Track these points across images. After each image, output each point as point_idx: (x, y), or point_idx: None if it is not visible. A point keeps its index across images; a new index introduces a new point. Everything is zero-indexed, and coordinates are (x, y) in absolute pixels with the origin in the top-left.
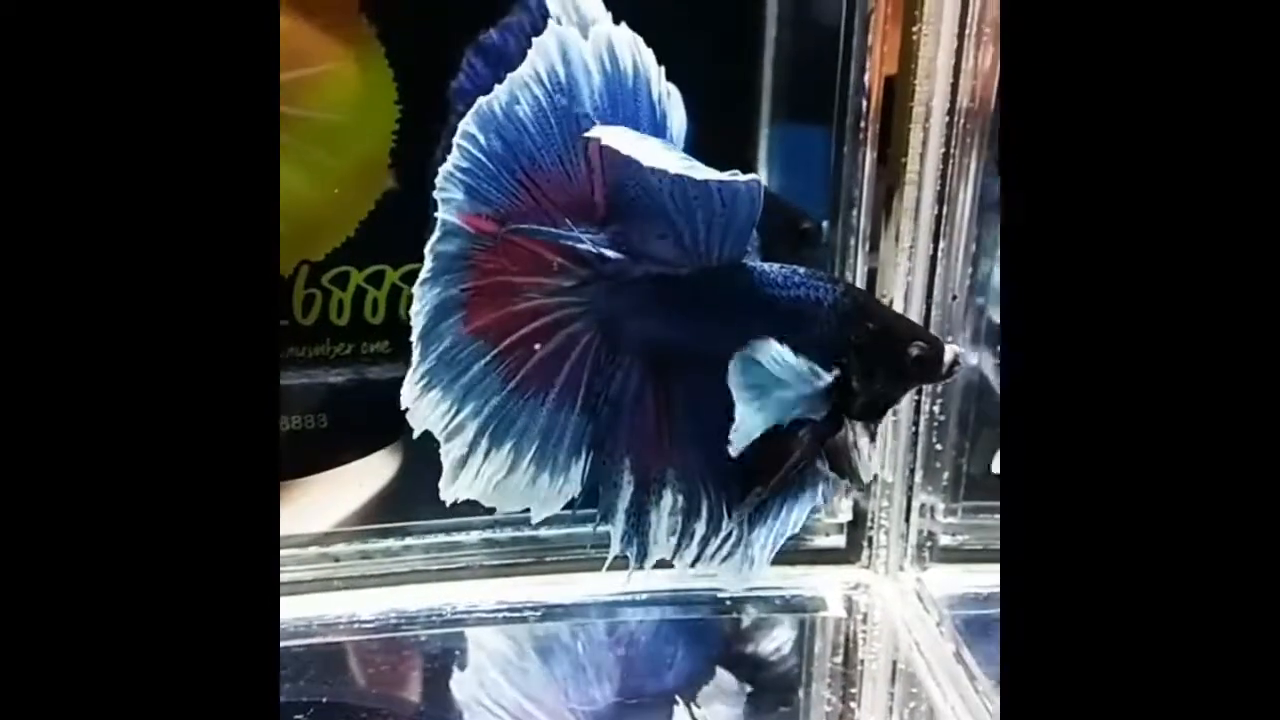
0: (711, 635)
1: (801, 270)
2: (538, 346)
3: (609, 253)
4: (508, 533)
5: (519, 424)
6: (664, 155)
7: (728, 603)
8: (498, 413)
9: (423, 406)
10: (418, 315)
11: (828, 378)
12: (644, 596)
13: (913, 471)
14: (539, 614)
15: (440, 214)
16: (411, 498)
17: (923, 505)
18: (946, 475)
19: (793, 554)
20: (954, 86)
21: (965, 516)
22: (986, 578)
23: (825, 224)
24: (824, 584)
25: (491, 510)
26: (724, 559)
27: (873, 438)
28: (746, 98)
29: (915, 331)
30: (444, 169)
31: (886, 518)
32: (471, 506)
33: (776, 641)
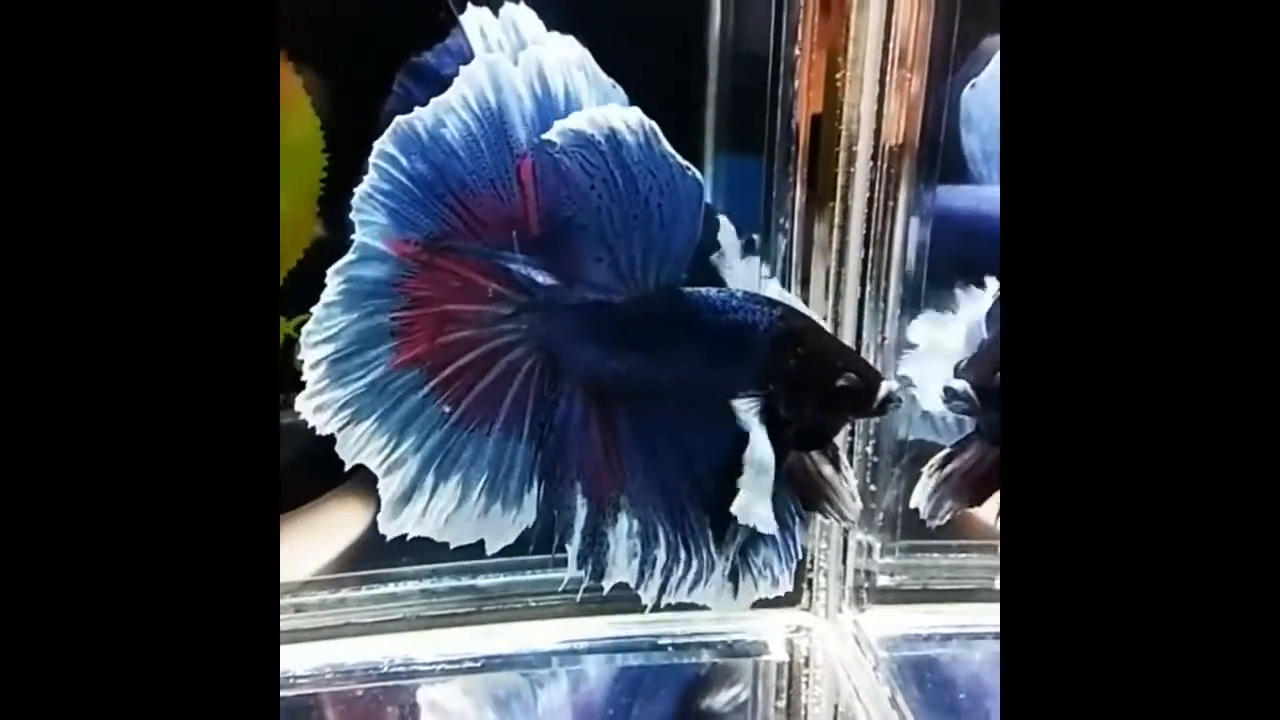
0: (655, 681)
1: (740, 293)
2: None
3: (540, 277)
4: (446, 583)
5: (465, 456)
6: None
7: (670, 649)
8: (441, 447)
9: (352, 439)
10: (330, 340)
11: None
12: (585, 645)
13: None
14: (479, 665)
15: (358, 236)
16: (346, 549)
17: (859, 544)
18: (881, 515)
19: None
20: (878, 130)
21: (902, 556)
22: (923, 618)
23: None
24: (766, 627)
25: (430, 558)
26: (691, 588)
27: (835, 464)
28: (689, 140)
29: (850, 362)
30: (360, 190)
31: (826, 559)
32: (408, 557)
33: (719, 686)
